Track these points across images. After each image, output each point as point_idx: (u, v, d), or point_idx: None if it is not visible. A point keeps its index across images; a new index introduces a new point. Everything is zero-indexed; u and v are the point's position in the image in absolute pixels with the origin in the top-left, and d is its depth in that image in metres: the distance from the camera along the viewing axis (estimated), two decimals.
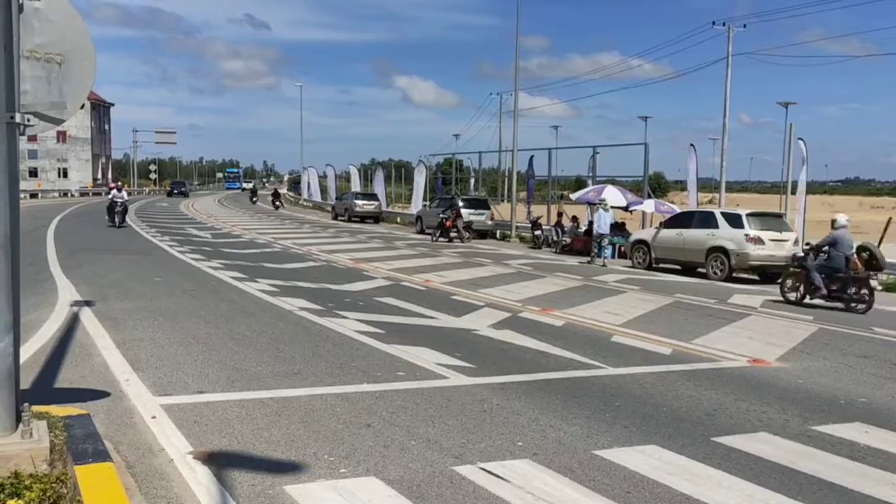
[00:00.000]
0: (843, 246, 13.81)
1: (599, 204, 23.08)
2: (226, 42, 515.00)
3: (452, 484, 4.66)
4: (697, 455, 5.36)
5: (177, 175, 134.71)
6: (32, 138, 76.95)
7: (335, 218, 42.89)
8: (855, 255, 13.97)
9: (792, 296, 14.27)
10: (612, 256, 23.59)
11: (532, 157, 34.76)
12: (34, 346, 7.97)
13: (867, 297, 13.38)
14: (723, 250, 18.33)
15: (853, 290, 13.53)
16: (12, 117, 4.29)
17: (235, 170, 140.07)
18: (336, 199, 48.43)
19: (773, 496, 4.63)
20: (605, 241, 21.86)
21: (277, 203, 54.25)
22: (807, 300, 13.95)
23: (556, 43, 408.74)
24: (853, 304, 13.45)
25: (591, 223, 27.39)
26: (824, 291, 13.61)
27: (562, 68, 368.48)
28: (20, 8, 4.42)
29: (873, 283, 14.09)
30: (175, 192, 76.06)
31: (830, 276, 13.68)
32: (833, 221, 14.24)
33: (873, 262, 13.91)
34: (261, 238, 26.01)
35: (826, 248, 13.90)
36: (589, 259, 22.04)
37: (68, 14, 4.79)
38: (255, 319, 10.15)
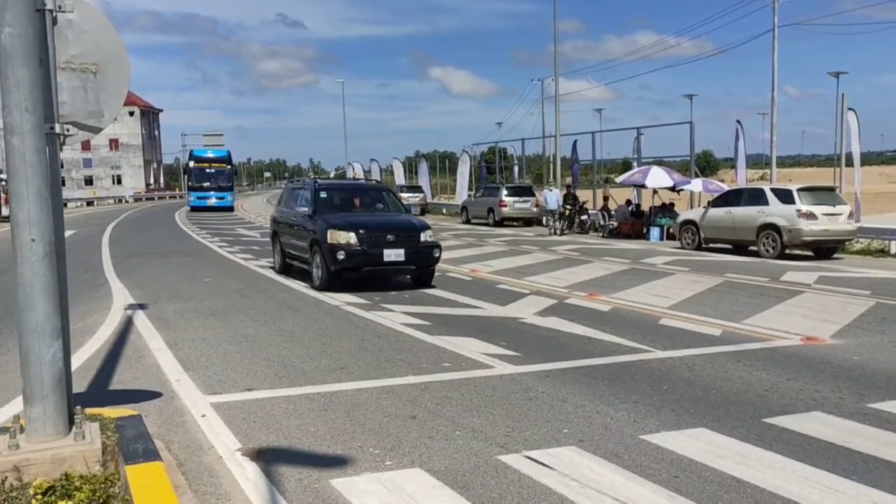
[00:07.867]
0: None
1: (546, 185, 30.46)
2: (262, 43, 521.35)
3: (497, 473, 4.65)
4: (749, 437, 5.25)
5: None
6: (86, 147, 79.35)
7: None
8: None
9: None
10: (660, 238, 23.38)
11: (575, 141, 34.44)
12: (90, 350, 8.18)
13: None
14: (774, 227, 17.92)
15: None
16: (52, 128, 4.39)
17: (221, 151, 51.54)
18: None
19: (827, 476, 4.52)
20: (556, 216, 26.96)
21: None
22: None
23: (590, 26, 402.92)
24: None
25: (638, 206, 27.08)
26: None
27: (598, 51, 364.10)
28: (54, 20, 4.52)
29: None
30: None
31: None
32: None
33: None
34: None
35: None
36: (555, 230, 26.67)
37: (101, 24, 4.87)
38: (303, 316, 10.27)
